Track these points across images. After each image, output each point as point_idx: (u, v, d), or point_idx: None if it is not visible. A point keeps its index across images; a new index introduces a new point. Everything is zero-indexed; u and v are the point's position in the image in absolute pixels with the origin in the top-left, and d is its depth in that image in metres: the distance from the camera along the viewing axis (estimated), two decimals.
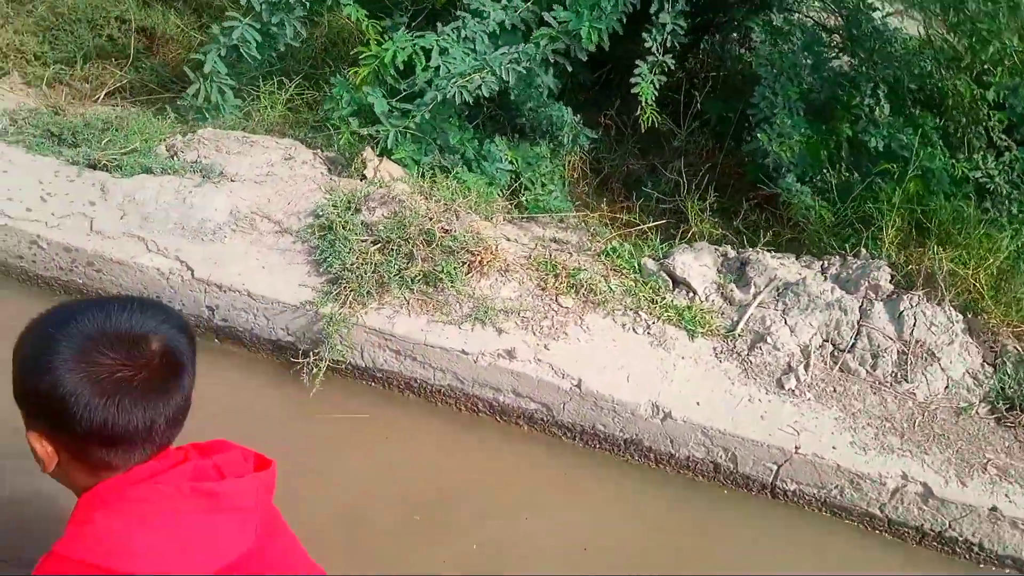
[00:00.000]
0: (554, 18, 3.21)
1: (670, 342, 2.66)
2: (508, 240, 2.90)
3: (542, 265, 2.80)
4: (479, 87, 3.07)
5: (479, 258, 2.67)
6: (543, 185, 3.61)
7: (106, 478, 1.08)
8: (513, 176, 3.52)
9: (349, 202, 2.80)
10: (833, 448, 2.41)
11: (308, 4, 3.24)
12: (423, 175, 3.18)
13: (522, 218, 3.25)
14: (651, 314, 2.74)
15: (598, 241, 3.16)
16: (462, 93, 3.04)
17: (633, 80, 3.33)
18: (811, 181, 3.35)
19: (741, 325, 2.73)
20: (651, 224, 3.40)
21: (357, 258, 2.56)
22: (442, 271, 2.58)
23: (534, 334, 2.56)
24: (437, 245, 2.64)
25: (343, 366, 2.54)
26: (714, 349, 2.67)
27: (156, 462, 1.11)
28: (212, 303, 2.53)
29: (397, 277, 2.55)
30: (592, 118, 3.95)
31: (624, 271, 2.91)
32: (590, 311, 2.70)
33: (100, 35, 3.96)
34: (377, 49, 3.22)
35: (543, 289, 2.72)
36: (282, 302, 2.49)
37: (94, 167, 2.79)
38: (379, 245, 2.63)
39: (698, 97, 4.04)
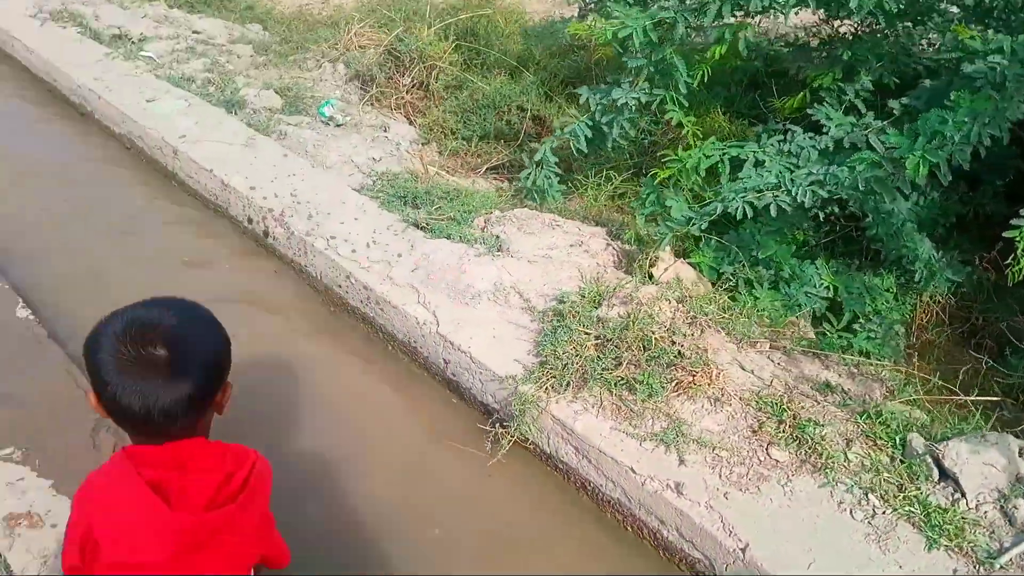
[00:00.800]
0: (881, 142, 2.82)
1: (894, 543, 2.11)
2: (743, 369, 2.63)
3: (767, 405, 2.48)
4: (768, 206, 2.86)
5: (692, 378, 2.49)
6: (867, 320, 3.18)
7: (130, 444, 1.38)
8: (829, 304, 3.17)
9: (597, 295, 2.86)
10: None
11: (633, 107, 3.40)
12: (720, 282, 3.08)
13: (802, 350, 2.89)
14: (886, 502, 2.21)
15: (892, 400, 2.67)
16: (745, 209, 2.87)
17: (1015, 222, 2.73)
18: None
19: (1011, 555, 2.04)
20: (978, 397, 2.73)
21: (571, 348, 2.61)
22: (643, 381, 2.47)
23: (720, 476, 2.28)
24: (651, 354, 2.54)
25: (530, 445, 2.60)
26: (954, 571, 2.04)
27: (154, 450, 1.34)
28: (447, 357, 2.83)
29: (600, 376, 2.53)
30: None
31: (880, 441, 2.40)
32: (805, 473, 2.30)
33: (502, 119, 4.69)
34: (683, 155, 3.23)
35: (754, 432, 2.40)
36: (493, 371, 2.66)
37: (417, 226, 3.35)
38: (599, 342, 2.64)
39: None
